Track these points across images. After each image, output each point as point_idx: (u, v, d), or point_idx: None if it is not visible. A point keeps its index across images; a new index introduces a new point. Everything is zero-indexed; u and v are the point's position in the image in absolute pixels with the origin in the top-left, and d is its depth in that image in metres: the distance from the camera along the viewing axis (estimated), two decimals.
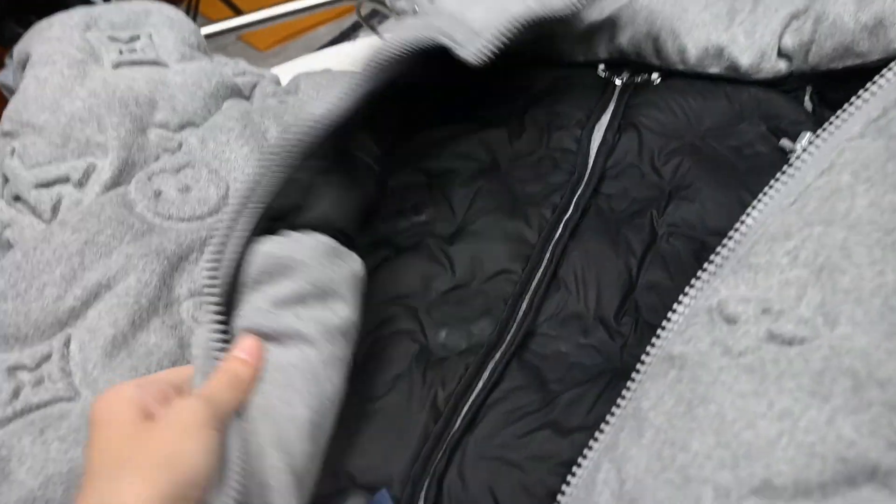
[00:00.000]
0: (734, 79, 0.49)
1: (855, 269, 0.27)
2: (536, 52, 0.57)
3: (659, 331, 0.32)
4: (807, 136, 0.42)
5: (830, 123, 0.32)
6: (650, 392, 0.30)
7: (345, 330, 0.34)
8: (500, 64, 0.58)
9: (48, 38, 0.45)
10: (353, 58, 0.62)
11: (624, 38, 0.51)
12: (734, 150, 0.46)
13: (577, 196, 0.45)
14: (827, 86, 0.47)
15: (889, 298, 0.26)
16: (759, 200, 0.32)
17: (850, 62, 0.43)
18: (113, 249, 0.38)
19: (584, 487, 0.30)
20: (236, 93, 0.50)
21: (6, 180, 0.42)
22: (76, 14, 0.47)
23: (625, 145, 0.47)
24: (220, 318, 0.33)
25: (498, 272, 0.42)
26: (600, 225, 0.44)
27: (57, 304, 0.37)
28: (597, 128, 0.49)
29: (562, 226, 0.43)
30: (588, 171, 0.47)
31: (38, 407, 0.34)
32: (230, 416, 0.29)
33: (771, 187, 0.32)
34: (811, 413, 0.25)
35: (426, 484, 0.35)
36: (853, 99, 0.32)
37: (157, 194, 0.42)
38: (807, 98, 0.48)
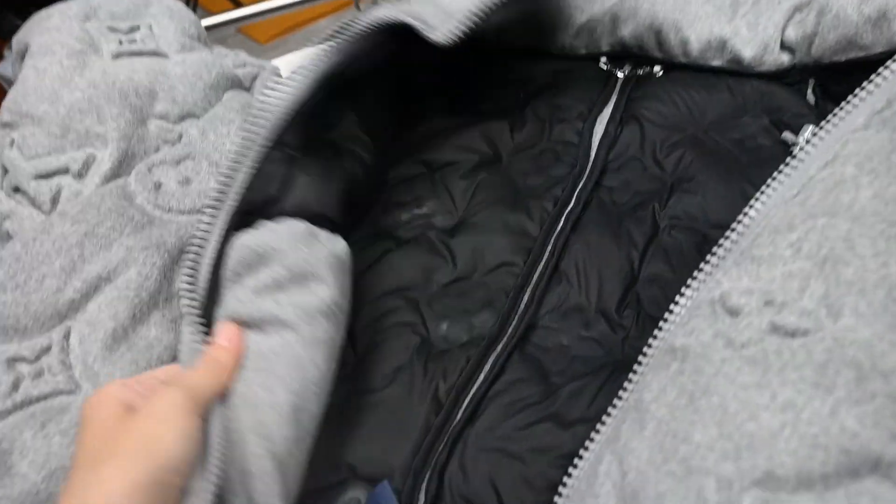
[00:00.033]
0: (737, 71, 0.49)
1: (858, 261, 0.27)
2: (538, 44, 0.56)
3: (661, 323, 0.32)
4: (809, 129, 0.42)
5: (834, 115, 0.32)
6: (652, 384, 0.30)
7: (326, 311, 0.34)
8: (500, 56, 0.58)
9: (47, 29, 0.45)
10: None
11: (626, 31, 0.51)
12: (736, 142, 0.46)
13: (578, 189, 0.45)
14: (829, 79, 0.47)
15: (893, 290, 0.26)
16: (763, 192, 0.32)
17: (853, 55, 0.43)
18: (113, 241, 0.38)
19: (586, 479, 0.30)
20: (237, 84, 0.50)
21: (5, 171, 0.42)
22: (75, 4, 0.47)
23: (627, 138, 0.47)
24: (199, 314, 0.34)
25: (499, 265, 0.42)
26: (602, 218, 0.44)
27: (57, 296, 0.36)
28: (599, 120, 0.49)
29: (563, 218, 0.43)
30: (590, 163, 0.46)
31: (39, 399, 0.34)
32: (212, 402, 0.30)
33: (774, 179, 0.32)
34: (814, 404, 0.25)
35: (427, 476, 0.35)
36: (857, 91, 0.31)
37: (158, 186, 0.41)
38: (809, 91, 0.48)
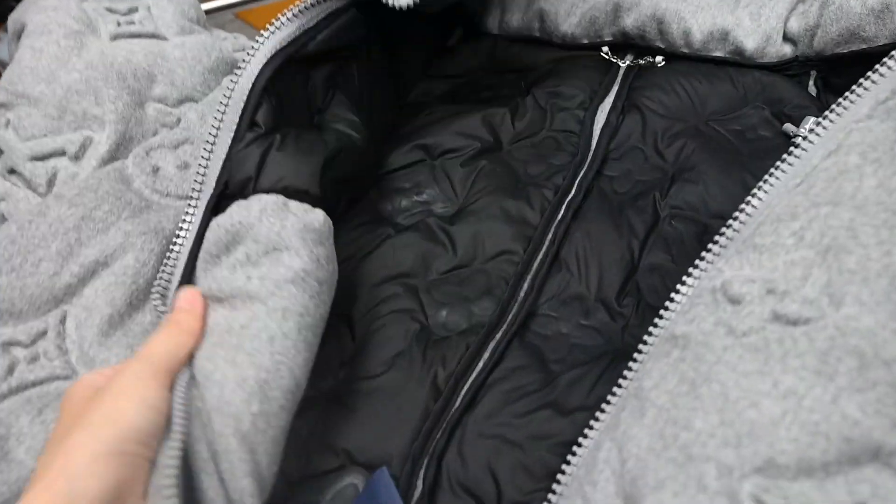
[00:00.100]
0: (738, 62, 0.49)
1: (861, 250, 0.27)
2: (540, 33, 0.56)
3: (662, 311, 0.32)
4: (811, 121, 0.42)
5: (838, 105, 0.31)
6: (652, 372, 0.30)
7: (295, 279, 0.32)
8: (502, 44, 0.58)
9: (44, 8, 0.44)
10: None
11: (628, 21, 0.51)
12: (737, 133, 0.46)
13: (579, 177, 0.45)
14: (831, 71, 0.47)
15: (895, 279, 0.26)
16: (766, 181, 0.32)
17: (855, 47, 0.43)
18: (110, 225, 0.38)
19: (585, 466, 0.30)
20: (236, 68, 0.49)
21: (0, 152, 0.41)
22: None
23: (628, 127, 0.47)
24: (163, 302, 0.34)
25: (499, 253, 0.42)
26: (603, 206, 0.43)
27: (53, 279, 0.36)
28: (600, 109, 0.49)
29: (564, 207, 0.43)
30: (591, 152, 0.46)
31: (35, 384, 0.34)
32: (177, 369, 0.29)
33: (777, 168, 0.32)
34: (816, 392, 0.25)
35: (425, 462, 0.34)
36: (861, 80, 0.31)
37: (156, 170, 0.41)
38: (811, 83, 0.48)
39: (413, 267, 0.42)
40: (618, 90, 0.50)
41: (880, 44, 0.41)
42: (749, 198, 0.32)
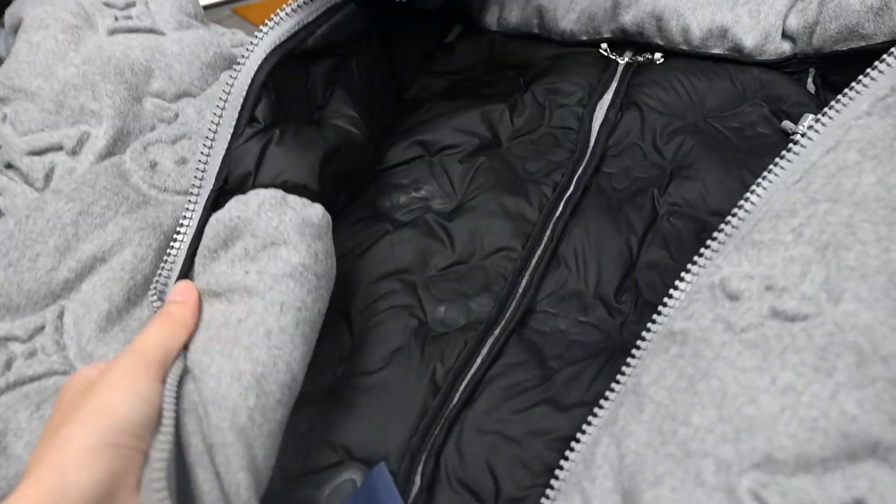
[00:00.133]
0: (737, 60, 0.49)
1: (860, 246, 0.27)
2: (538, 30, 0.56)
3: (660, 307, 0.32)
4: (809, 118, 0.42)
5: (837, 101, 0.31)
6: (651, 368, 0.30)
7: (293, 273, 0.32)
8: (500, 41, 0.58)
9: (41, 2, 0.44)
10: None
11: (627, 17, 0.51)
12: (736, 130, 0.46)
13: (578, 174, 0.45)
14: (830, 68, 0.47)
15: (894, 275, 0.26)
16: (764, 178, 0.32)
17: (854, 44, 0.43)
18: (108, 221, 0.38)
19: (583, 462, 0.30)
20: (234, 64, 0.49)
21: None
22: None
23: (627, 124, 0.47)
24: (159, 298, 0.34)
25: (498, 249, 0.42)
26: (601, 203, 0.43)
27: (50, 275, 0.36)
28: (599, 106, 0.49)
29: (562, 204, 0.43)
30: (589, 149, 0.46)
31: (33, 379, 0.34)
32: (170, 360, 0.29)
33: (776, 165, 0.32)
34: (814, 388, 0.25)
35: (424, 458, 0.34)
36: (860, 77, 0.31)
37: (153, 165, 0.41)
38: (810, 80, 0.48)
39: (411, 263, 0.42)
40: (616, 87, 0.50)
41: (879, 41, 0.41)
42: (748, 194, 0.32)
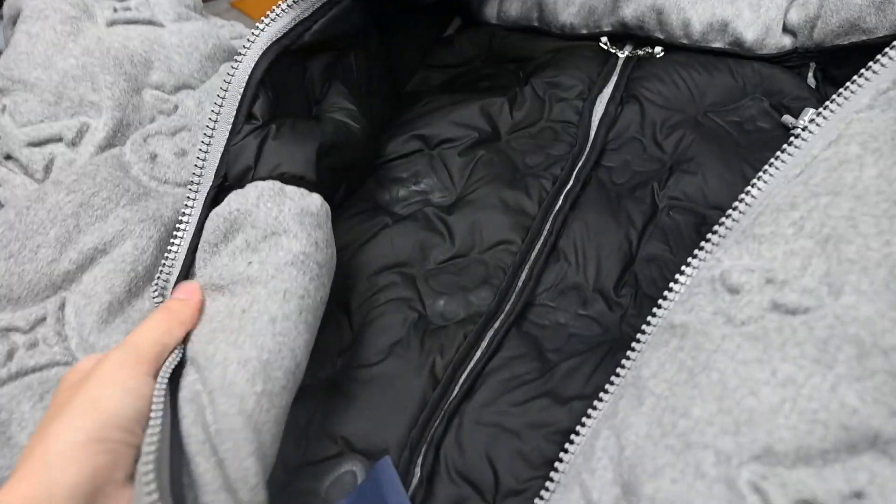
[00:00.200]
0: (738, 54, 0.49)
1: (861, 240, 0.27)
2: (538, 23, 0.56)
3: (661, 301, 0.32)
4: (810, 113, 0.42)
5: (839, 95, 0.31)
6: (651, 361, 0.30)
7: (294, 261, 0.33)
8: (500, 34, 0.57)
9: None
10: None
11: (627, 11, 0.51)
12: (736, 125, 0.46)
13: (577, 168, 0.45)
14: (830, 63, 0.47)
15: (895, 268, 0.26)
16: (765, 171, 0.32)
17: (855, 38, 0.43)
18: (109, 213, 0.38)
19: (583, 455, 0.30)
20: (233, 56, 0.49)
21: None
22: None
23: (627, 118, 0.47)
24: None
25: (497, 242, 0.42)
26: (601, 197, 0.43)
27: (52, 266, 0.36)
28: (598, 100, 0.49)
29: (562, 197, 0.43)
30: (589, 143, 0.46)
31: (35, 370, 0.34)
32: (164, 355, 0.29)
33: (777, 158, 0.32)
34: (815, 380, 0.25)
35: (423, 450, 0.35)
36: (862, 71, 0.31)
37: (153, 157, 0.41)
38: (810, 75, 0.48)
39: (411, 256, 0.42)
40: (616, 81, 0.50)
41: (880, 35, 0.41)
42: (749, 188, 0.32)
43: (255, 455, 0.28)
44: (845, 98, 0.31)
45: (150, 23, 0.46)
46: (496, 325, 0.39)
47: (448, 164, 0.47)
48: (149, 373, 0.28)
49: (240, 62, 0.37)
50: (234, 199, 0.35)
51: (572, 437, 0.32)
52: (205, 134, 0.37)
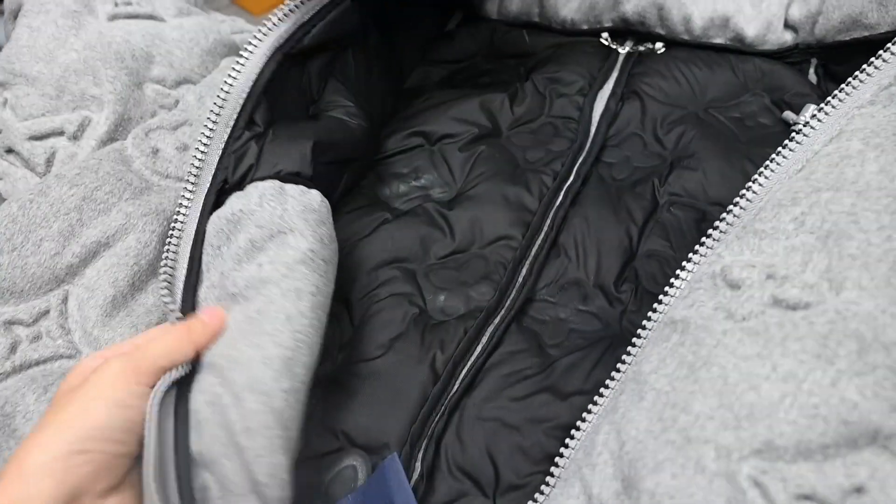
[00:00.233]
0: (739, 50, 0.49)
1: (862, 235, 0.27)
2: (539, 18, 0.56)
3: (661, 296, 0.32)
4: (811, 109, 0.42)
5: (841, 90, 0.32)
6: (651, 356, 0.30)
7: (304, 259, 0.33)
8: (501, 29, 0.57)
9: None
10: None
11: (628, 7, 0.50)
12: (737, 121, 0.46)
13: (578, 164, 0.45)
14: (832, 59, 0.47)
15: None
16: (766, 167, 0.32)
17: (857, 34, 0.43)
18: (112, 206, 0.38)
19: (583, 450, 0.31)
20: (234, 51, 0.49)
21: None
22: None
23: (627, 114, 0.47)
24: (175, 308, 0.33)
25: (498, 238, 0.42)
26: (601, 193, 0.43)
27: (55, 259, 0.36)
28: (599, 96, 0.49)
29: (562, 193, 0.43)
30: (590, 138, 0.46)
31: (39, 363, 0.34)
32: (167, 369, 0.29)
33: (778, 154, 0.32)
34: (815, 375, 0.25)
35: (424, 445, 0.35)
36: (864, 66, 0.31)
37: (155, 152, 0.41)
38: (811, 71, 0.48)
39: (411, 251, 0.42)
40: (617, 76, 0.50)
41: (882, 31, 0.41)
42: (750, 183, 0.32)
43: (285, 451, 0.28)
44: (847, 94, 0.31)
45: (150, 17, 0.46)
46: (496, 320, 0.39)
47: (448, 160, 0.47)
48: (147, 384, 0.28)
49: (242, 68, 0.38)
50: (235, 202, 0.35)
51: (573, 432, 0.32)
52: (203, 134, 0.37)
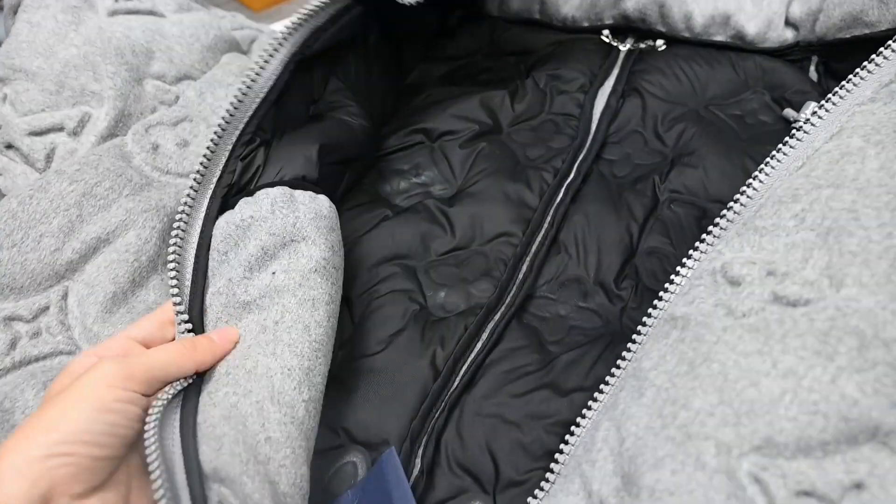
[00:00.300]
0: (740, 47, 0.49)
1: (863, 232, 0.27)
2: (540, 16, 0.56)
3: (661, 293, 0.32)
4: (812, 106, 0.42)
5: (841, 88, 0.32)
6: (651, 352, 0.30)
7: (318, 268, 0.33)
8: (501, 26, 0.57)
9: None
10: None
11: (630, 4, 0.50)
12: (737, 118, 0.46)
13: (578, 161, 0.45)
14: (833, 56, 0.47)
15: None
16: (767, 164, 0.32)
17: (858, 32, 0.43)
18: (112, 202, 0.38)
19: (583, 446, 0.31)
20: (234, 47, 0.49)
21: None
22: None
23: (628, 111, 0.47)
24: (186, 311, 0.33)
25: (498, 234, 0.42)
26: (602, 190, 0.43)
27: (55, 255, 0.36)
28: (600, 93, 0.49)
29: (563, 190, 0.43)
30: (590, 136, 0.46)
31: (38, 359, 0.34)
32: (162, 381, 0.29)
33: (779, 151, 0.32)
34: (815, 372, 0.25)
35: (424, 441, 0.35)
36: (864, 64, 0.31)
37: (155, 147, 0.41)
38: (812, 68, 0.48)
39: (411, 248, 0.42)
40: (618, 74, 0.50)
41: (883, 29, 0.41)
42: (750, 180, 0.32)
43: (307, 462, 0.28)
44: (847, 91, 0.31)
45: (151, 13, 0.46)
46: (497, 317, 0.39)
47: (449, 157, 0.47)
48: (137, 391, 0.28)
49: (257, 75, 0.38)
50: (245, 208, 0.35)
51: (573, 428, 0.32)
52: (215, 134, 0.37)
